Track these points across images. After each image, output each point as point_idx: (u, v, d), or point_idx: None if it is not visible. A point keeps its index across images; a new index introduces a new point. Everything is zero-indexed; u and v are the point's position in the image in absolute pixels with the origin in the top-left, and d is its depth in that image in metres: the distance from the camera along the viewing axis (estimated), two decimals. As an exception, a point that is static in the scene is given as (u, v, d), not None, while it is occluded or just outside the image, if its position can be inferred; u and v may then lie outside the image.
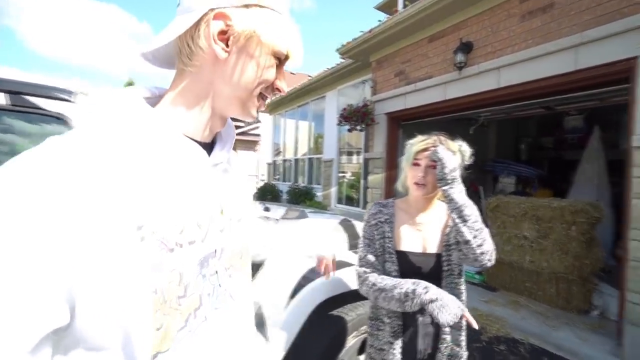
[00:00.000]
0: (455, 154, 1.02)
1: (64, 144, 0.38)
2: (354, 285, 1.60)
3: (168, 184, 0.43)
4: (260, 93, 0.50)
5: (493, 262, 0.97)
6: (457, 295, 1.02)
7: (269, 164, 11.65)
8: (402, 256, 1.06)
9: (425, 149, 1.03)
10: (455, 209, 0.94)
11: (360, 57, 5.22)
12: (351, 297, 1.56)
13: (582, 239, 3.05)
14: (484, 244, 0.94)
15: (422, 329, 1.04)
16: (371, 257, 1.09)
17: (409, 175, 1.08)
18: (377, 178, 4.92)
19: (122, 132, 0.42)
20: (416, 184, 1.04)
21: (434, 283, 1.04)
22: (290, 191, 8.11)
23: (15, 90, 0.90)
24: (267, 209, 2.00)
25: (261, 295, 1.48)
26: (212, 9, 0.43)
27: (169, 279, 0.41)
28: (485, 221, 1.01)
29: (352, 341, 1.55)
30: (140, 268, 0.38)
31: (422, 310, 1.05)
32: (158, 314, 0.39)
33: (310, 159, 8.41)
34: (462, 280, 1.05)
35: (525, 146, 6.51)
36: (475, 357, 2.41)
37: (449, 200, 0.95)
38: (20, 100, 0.91)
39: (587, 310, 3.05)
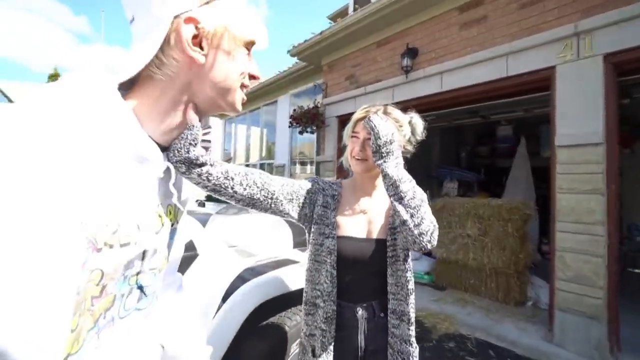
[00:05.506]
0: (401, 126, 0.92)
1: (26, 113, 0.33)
2: (296, 285, 1.43)
3: (115, 181, 0.40)
4: (241, 84, 0.50)
5: (434, 243, 0.81)
6: (404, 283, 0.89)
7: (218, 172, 11.03)
8: (342, 241, 0.92)
9: (363, 119, 0.90)
10: (390, 185, 0.81)
11: (312, 60, 5.19)
12: (295, 299, 1.39)
13: (516, 234, 3.28)
14: (422, 224, 0.78)
15: (361, 325, 0.90)
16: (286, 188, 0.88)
17: (348, 149, 0.96)
18: (329, 182, 4.85)
19: (85, 118, 0.37)
20: (355, 158, 0.93)
21: (378, 271, 0.91)
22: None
23: None
24: (202, 204, 1.76)
25: (189, 298, 1.24)
26: (176, 16, 0.42)
27: (89, 279, 0.38)
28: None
29: (295, 349, 1.37)
30: (67, 266, 0.34)
31: (360, 301, 0.91)
32: (76, 315, 0.37)
33: (262, 164, 8.14)
34: (408, 266, 0.91)
35: (465, 154, 7.03)
36: (427, 356, 2.37)
37: (383, 175, 0.82)
38: None
39: (523, 302, 3.24)
